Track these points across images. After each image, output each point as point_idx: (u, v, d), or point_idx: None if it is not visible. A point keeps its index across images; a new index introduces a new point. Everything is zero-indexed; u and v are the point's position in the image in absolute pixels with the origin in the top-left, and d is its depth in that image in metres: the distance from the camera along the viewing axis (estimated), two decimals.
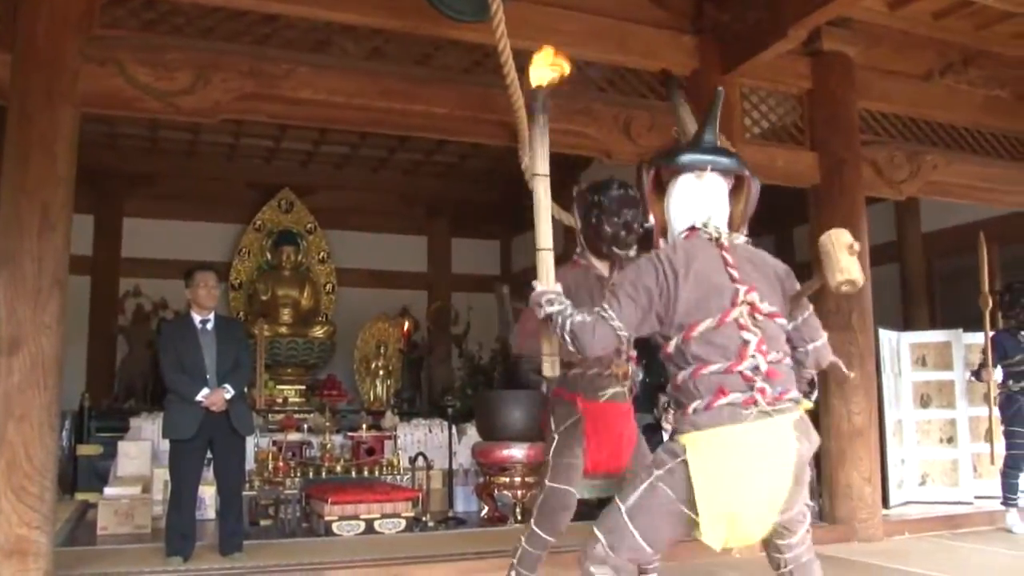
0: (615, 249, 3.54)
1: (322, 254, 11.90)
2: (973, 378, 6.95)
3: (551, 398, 3.81)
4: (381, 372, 11.57)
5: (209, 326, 5.26)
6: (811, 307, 2.72)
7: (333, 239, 12.02)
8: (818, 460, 6.57)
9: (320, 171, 11.62)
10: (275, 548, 5.52)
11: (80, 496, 7.66)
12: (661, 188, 2.81)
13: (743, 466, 2.40)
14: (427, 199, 12.34)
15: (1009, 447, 6.46)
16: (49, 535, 4.33)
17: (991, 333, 6.70)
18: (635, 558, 2.60)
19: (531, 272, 2.92)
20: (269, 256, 11.53)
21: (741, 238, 2.74)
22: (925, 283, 9.92)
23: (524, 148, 5.02)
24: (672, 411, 4.50)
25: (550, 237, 2.91)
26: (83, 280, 10.05)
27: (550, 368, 2.90)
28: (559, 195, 3.46)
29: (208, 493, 6.36)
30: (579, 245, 3.71)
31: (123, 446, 7.23)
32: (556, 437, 3.67)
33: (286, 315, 11.14)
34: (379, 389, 11.51)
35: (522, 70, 5.06)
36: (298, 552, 5.30)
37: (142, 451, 7.17)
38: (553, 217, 3.06)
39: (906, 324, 9.34)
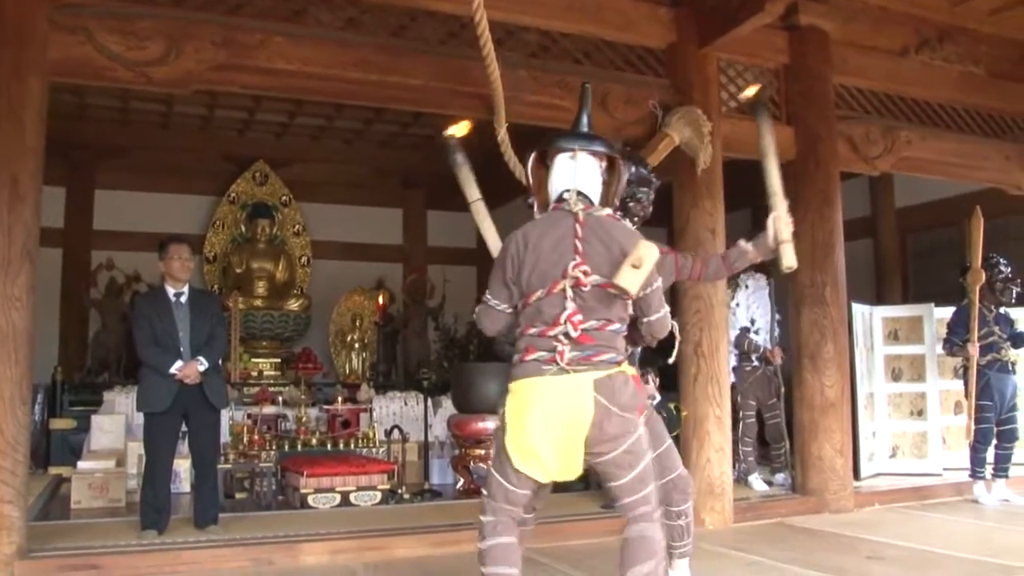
0: None
1: (297, 227, 11.82)
2: (944, 352, 7.03)
3: None
4: (356, 345, 11.56)
5: (183, 299, 5.22)
6: (654, 286, 2.99)
7: (308, 211, 11.95)
8: (791, 432, 6.66)
9: (295, 143, 11.51)
10: (250, 521, 5.52)
11: (53, 471, 7.62)
12: (547, 170, 3.17)
13: (537, 411, 2.86)
14: (403, 171, 12.28)
15: (978, 421, 6.55)
16: (22, 509, 4.30)
17: (954, 308, 6.80)
18: (508, 499, 2.97)
19: None
20: (244, 229, 11.45)
21: (605, 211, 3.07)
22: (898, 258, 10.04)
23: (500, 121, 5.00)
24: None
25: (499, 245, 3.34)
26: (55, 252, 9.96)
27: None
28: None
29: (183, 466, 6.35)
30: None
31: (97, 420, 7.19)
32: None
33: (261, 288, 11.08)
34: (355, 362, 11.51)
35: (499, 42, 5.06)
36: (274, 524, 5.31)
37: (116, 425, 7.13)
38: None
39: (879, 298, 9.45)
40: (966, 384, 6.64)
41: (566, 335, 2.86)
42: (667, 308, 3.08)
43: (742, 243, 3.53)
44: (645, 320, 3.05)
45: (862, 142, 6.73)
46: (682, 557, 3.74)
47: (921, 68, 7.04)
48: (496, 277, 3.04)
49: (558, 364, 2.85)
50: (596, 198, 3.07)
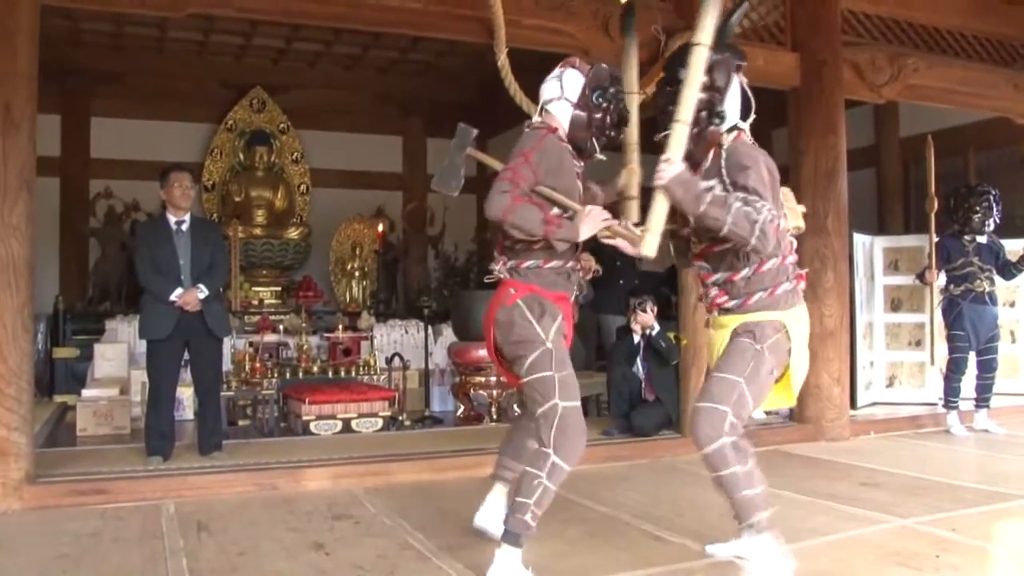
0: None
1: (296, 154, 11.73)
2: (917, 281, 7.04)
3: None
4: (357, 273, 11.58)
5: (184, 227, 5.21)
6: None
7: (307, 139, 11.85)
8: None
9: (293, 69, 11.35)
10: (253, 447, 5.59)
11: (59, 399, 7.69)
12: None
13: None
14: (402, 98, 12.13)
15: (951, 351, 6.57)
16: (29, 436, 4.34)
17: (936, 238, 6.79)
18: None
19: None
20: (242, 156, 11.36)
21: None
22: (901, 188, 9.97)
23: (500, 46, 4.91)
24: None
25: (691, 110, 2.99)
26: (52, 182, 9.89)
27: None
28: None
29: (187, 394, 6.41)
30: None
31: (99, 348, 7.24)
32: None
33: (260, 216, 11.05)
34: (355, 290, 11.54)
35: None
36: (276, 451, 5.38)
37: (119, 353, 7.19)
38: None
39: (880, 228, 9.42)
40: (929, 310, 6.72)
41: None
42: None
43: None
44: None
45: (868, 69, 6.60)
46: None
47: None
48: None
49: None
50: None
